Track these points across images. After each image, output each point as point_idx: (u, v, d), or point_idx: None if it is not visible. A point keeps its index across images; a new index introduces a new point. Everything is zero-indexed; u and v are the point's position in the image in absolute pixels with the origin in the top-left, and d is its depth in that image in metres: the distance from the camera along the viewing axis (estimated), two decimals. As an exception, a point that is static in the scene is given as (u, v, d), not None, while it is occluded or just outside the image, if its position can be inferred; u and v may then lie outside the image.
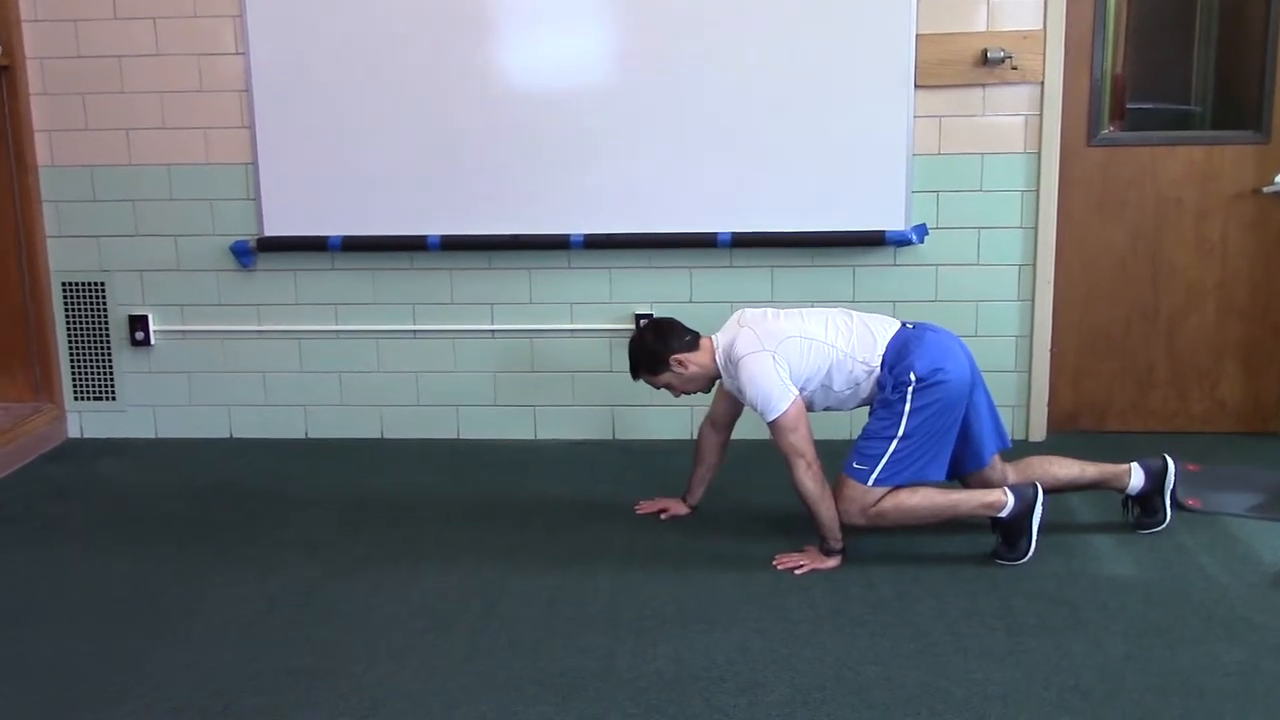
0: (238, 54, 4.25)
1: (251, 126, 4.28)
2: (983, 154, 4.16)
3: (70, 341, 4.53)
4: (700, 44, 4.10)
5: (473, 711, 2.57)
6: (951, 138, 4.15)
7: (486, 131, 4.20)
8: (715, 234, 4.21)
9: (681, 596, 3.10)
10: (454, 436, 4.50)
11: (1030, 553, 3.24)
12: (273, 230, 4.35)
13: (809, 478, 3.19)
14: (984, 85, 4.11)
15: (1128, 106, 4.29)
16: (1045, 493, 3.29)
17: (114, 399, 4.57)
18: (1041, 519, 3.25)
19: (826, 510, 3.22)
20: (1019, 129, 4.13)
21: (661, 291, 4.26)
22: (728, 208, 4.20)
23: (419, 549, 3.47)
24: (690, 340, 3.40)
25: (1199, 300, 4.31)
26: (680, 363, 3.37)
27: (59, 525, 3.75)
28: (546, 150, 4.21)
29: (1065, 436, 4.36)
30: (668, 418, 4.35)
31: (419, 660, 2.80)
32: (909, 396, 3.18)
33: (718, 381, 3.44)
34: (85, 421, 4.60)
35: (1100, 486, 3.49)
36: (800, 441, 3.19)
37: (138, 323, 4.48)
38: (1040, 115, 4.11)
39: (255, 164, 4.30)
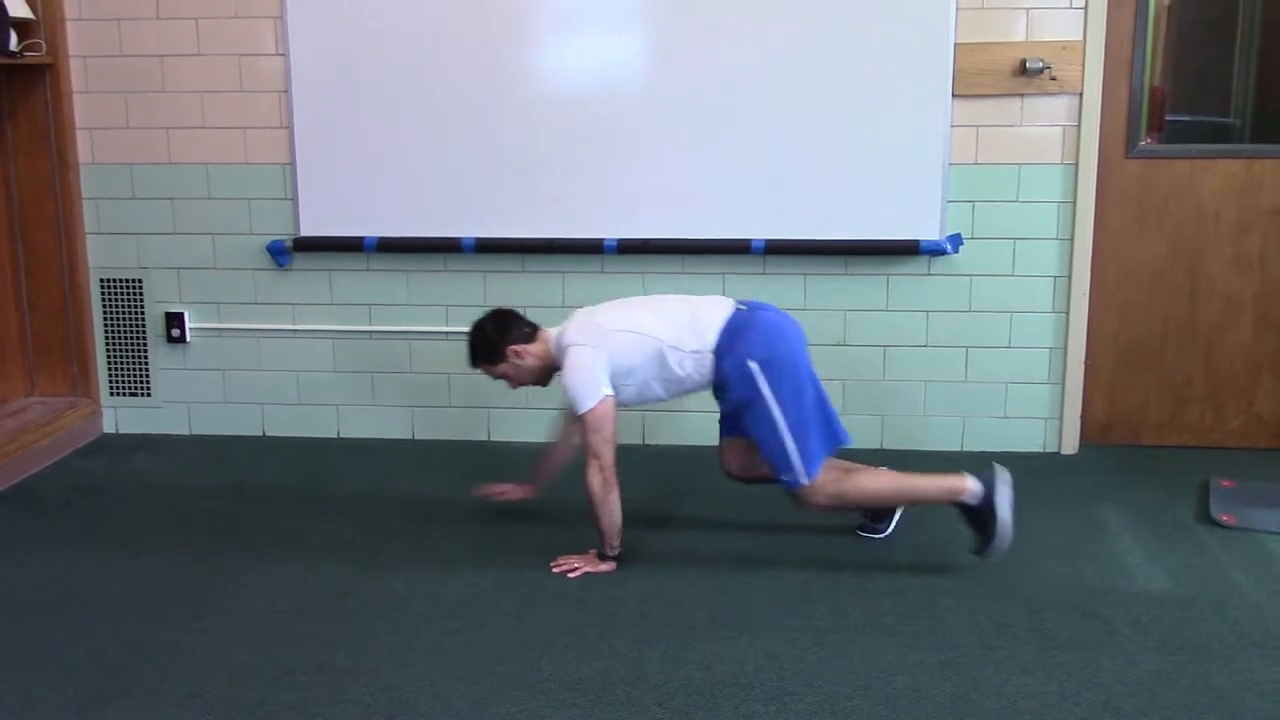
0: (278, 55, 4.28)
1: (290, 127, 4.31)
2: (1020, 164, 4.14)
3: (107, 337, 4.58)
4: (736, 50, 4.10)
5: (502, 712, 2.58)
6: (988, 148, 4.13)
7: (522, 135, 4.22)
8: (749, 240, 4.20)
9: (712, 602, 3.11)
10: (485, 438, 4.52)
11: (1005, 536, 3.14)
12: (309, 230, 4.38)
13: (597, 481, 3.22)
14: (1022, 95, 4.09)
15: (1167, 118, 4.26)
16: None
17: (149, 395, 4.61)
18: (1009, 499, 3.17)
19: (607, 516, 3.25)
20: (1056, 140, 4.12)
21: (694, 297, 4.25)
22: (762, 214, 4.19)
23: (450, 549, 3.49)
24: (529, 332, 3.43)
25: (1237, 314, 4.28)
26: (517, 353, 3.39)
27: (93, 520, 3.78)
28: (581, 154, 4.22)
29: (1098, 450, 4.33)
30: (700, 423, 4.34)
31: (450, 660, 2.81)
32: (759, 380, 3.21)
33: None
34: (120, 417, 4.64)
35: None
36: (599, 443, 3.21)
37: (174, 320, 4.52)
38: (1078, 126, 4.09)
39: (293, 164, 4.33)
